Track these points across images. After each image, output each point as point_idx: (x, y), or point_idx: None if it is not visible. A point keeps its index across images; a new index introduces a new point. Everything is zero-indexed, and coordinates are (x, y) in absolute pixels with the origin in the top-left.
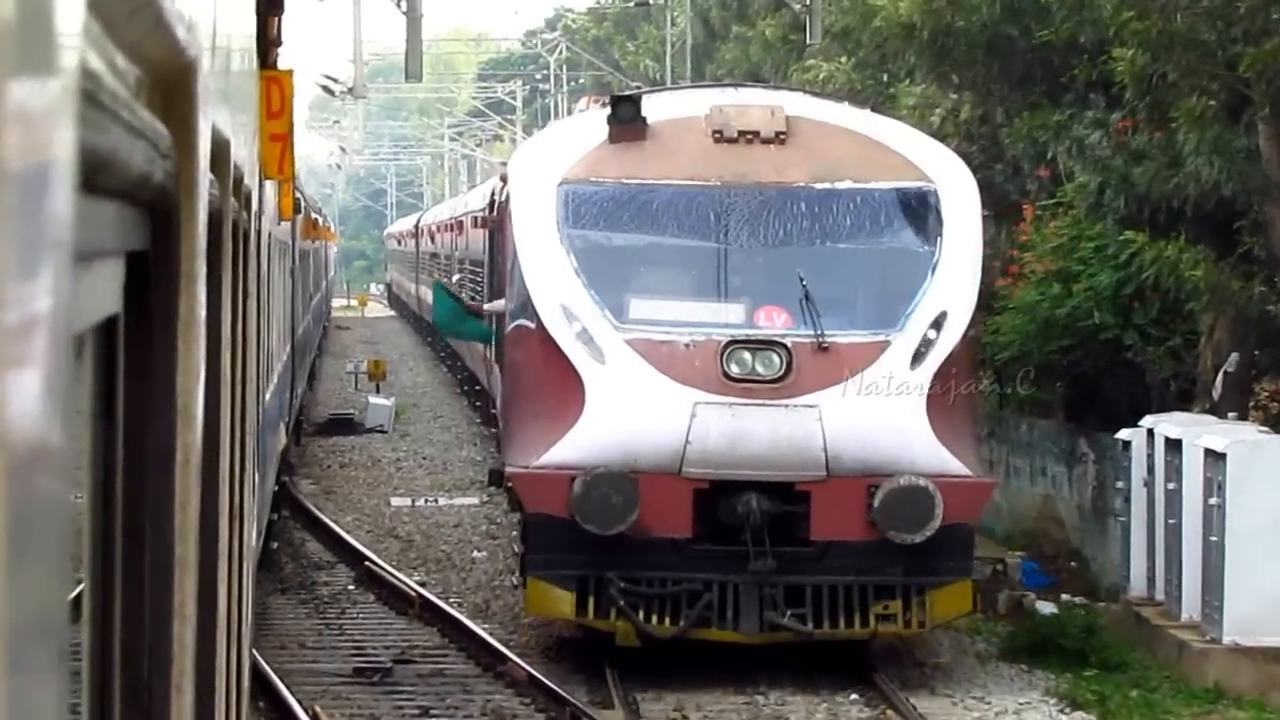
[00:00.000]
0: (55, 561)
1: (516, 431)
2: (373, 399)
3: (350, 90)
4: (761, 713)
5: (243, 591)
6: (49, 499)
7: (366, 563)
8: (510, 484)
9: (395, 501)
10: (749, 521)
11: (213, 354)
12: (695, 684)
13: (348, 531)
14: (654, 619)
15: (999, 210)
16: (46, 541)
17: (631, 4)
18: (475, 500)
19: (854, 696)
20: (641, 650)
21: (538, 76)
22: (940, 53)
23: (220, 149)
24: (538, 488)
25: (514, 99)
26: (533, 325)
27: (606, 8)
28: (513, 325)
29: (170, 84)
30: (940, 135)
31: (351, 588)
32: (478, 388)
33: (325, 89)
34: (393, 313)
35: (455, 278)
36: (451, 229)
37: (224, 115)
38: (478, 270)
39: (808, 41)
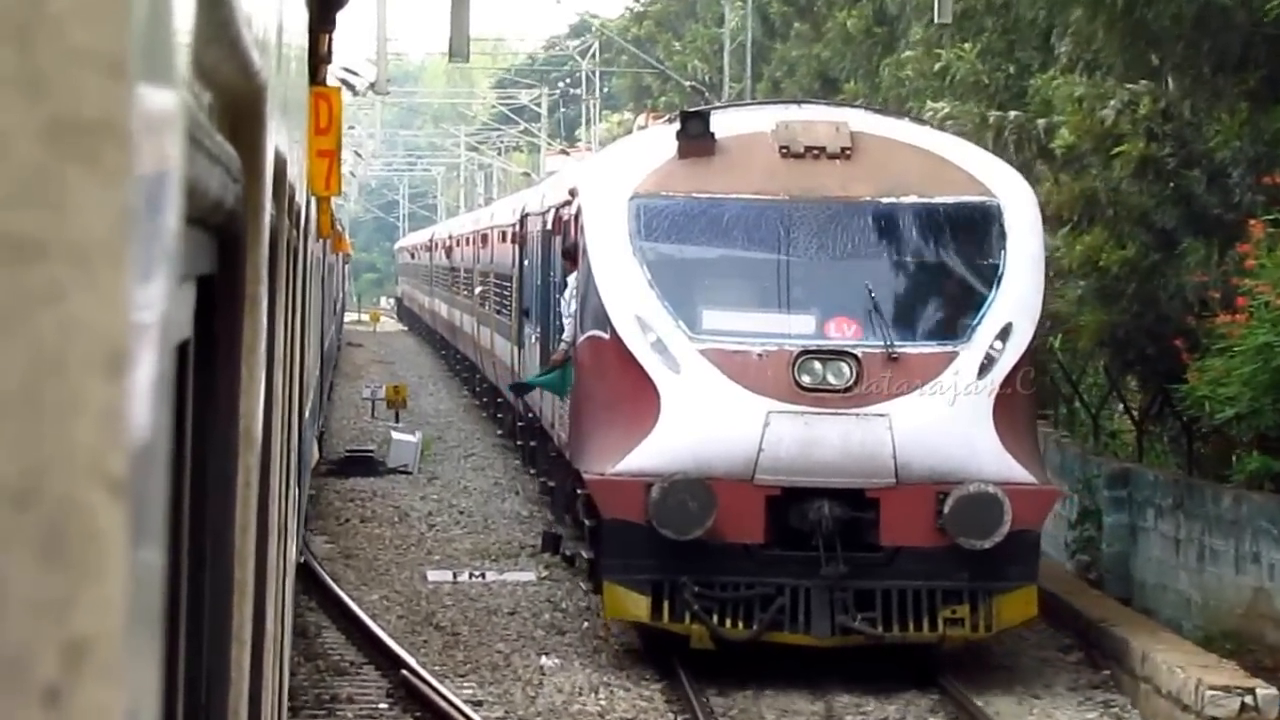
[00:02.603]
0: (159, 582)
1: (590, 439)
2: (395, 433)
3: (372, 86)
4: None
5: (285, 610)
6: (156, 512)
7: (404, 670)
8: (584, 490)
9: (432, 576)
10: (820, 527)
11: (269, 374)
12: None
13: (375, 616)
14: (728, 622)
15: (1202, 227)
16: (154, 564)
17: None
18: (530, 575)
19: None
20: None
21: (565, 81)
22: (1135, 29)
23: (280, 169)
24: (615, 494)
25: (538, 105)
26: (607, 336)
27: (648, 5)
28: (585, 336)
29: (241, 108)
30: (1115, 134)
31: (384, 706)
32: (499, 399)
33: (345, 84)
34: (404, 327)
35: (478, 290)
36: (473, 242)
37: (283, 135)
38: (504, 284)
39: (935, 19)
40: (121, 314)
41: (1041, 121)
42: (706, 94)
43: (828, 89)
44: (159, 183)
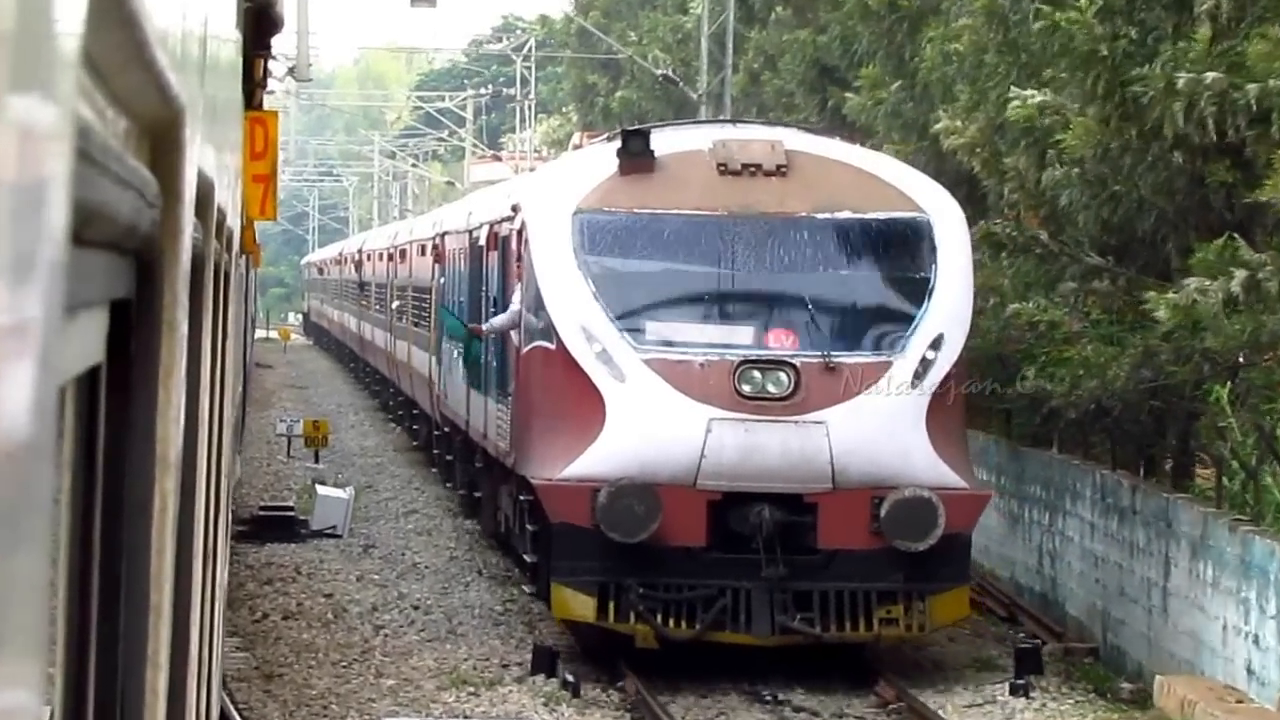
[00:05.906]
0: (39, 625)
1: (537, 446)
2: (321, 489)
3: (291, 71)
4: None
5: (214, 635)
6: (33, 557)
7: None
8: (530, 496)
9: None
10: (760, 531)
11: (192, 398)
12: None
13: None
14: (672, 622)
15: None
16: (30, 608)
17: None
18: None
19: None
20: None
21: (497, 82)
22: None
23: (205, 192)
24: (562, 498)
25: (462, 109)
26: (553, 346)
27: None
28: (530, 346)
29: (159, 132)
30: None
31: None
32: (415, 410)
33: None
34: (310, 341)
35: (394, 304)
36: (389, 257)
37: (209, 158)
38: (422, 298)
39: None
40: None
41: (1253, 87)
42: (680, 84)
43: (824, 79)
44: (32, 214)
